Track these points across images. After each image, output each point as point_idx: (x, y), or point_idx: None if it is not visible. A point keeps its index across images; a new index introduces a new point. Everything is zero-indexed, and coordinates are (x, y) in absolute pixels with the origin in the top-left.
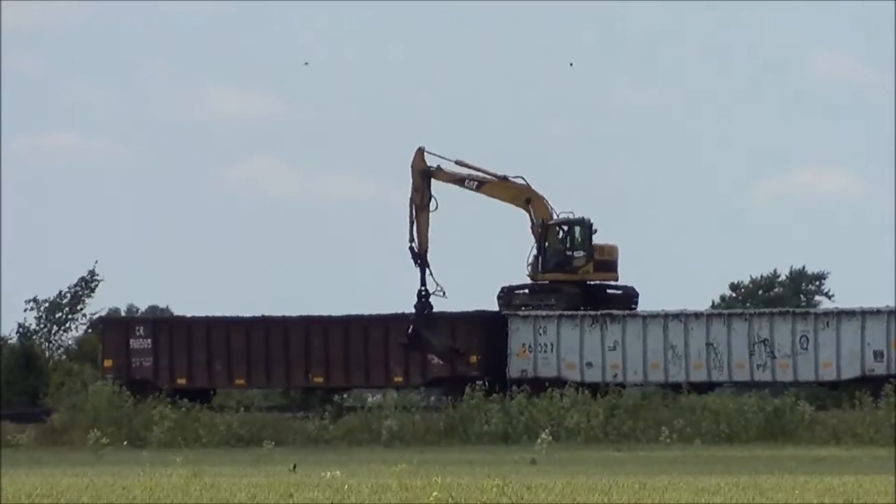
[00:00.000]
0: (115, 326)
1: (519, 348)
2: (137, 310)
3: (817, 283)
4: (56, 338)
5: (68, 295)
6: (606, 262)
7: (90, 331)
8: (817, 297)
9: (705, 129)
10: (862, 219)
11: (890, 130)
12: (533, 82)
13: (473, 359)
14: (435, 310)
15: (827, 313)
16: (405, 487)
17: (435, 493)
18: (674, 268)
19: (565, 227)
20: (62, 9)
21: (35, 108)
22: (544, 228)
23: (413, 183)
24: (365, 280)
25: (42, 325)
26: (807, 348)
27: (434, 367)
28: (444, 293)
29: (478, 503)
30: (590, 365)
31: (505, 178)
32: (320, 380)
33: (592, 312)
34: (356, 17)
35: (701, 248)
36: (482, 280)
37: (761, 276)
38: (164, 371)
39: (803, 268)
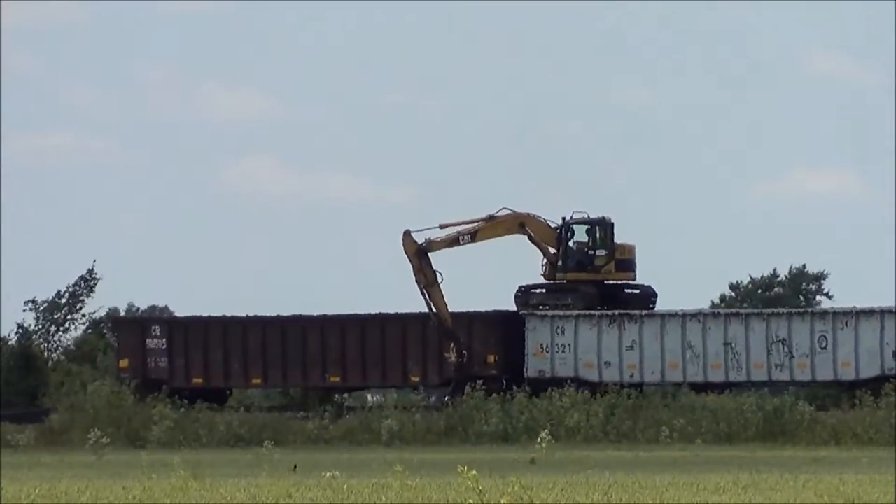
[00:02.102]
0: (130, 326)
1: (536, 348)
2: (137, 309)
3: (817, 283)
4: (55, 338)
5: (67, 295)
6: (627, 261)
7: (89, 331)
8: (817, 297)
9: (704, 129)
10: (860, 218)
11: (888, 130)
12: (531, 82)
13: (491, 359)
14: (453, 310)
15: (846, 312)
16: (405, 487)
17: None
18: (673, 268)
19: (586, 227)
20: (62, 9)
21: (33, 108)
22: (565, 228)
23: (413, 266)
24: (363, 280)
25: (41, 326)
26: (825, 348)
27: (452, 365)
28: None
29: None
30: (607, 364)
31: (491, 217)
32: (337, 379)
33: (610, 312)
34: (354, 18)
35: (700, 248)
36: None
37: (761, 276)
38: (179, 371)
39: (803, 267)
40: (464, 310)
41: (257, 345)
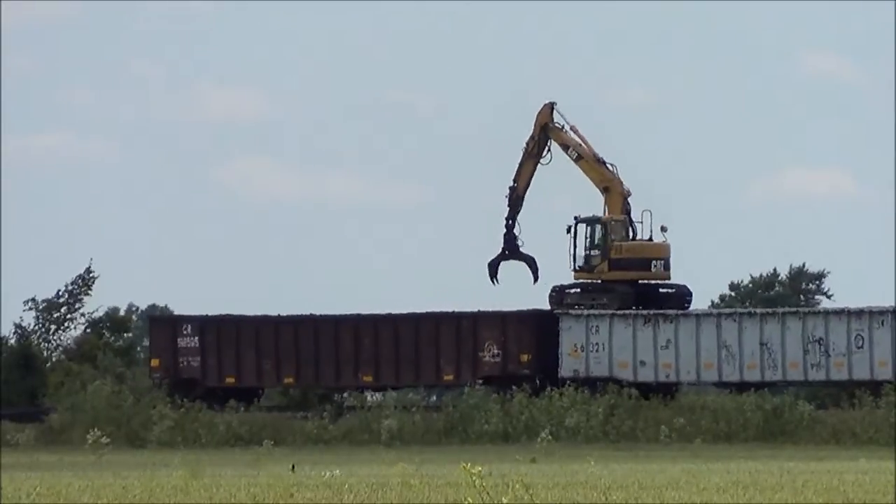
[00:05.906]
0: (162, 326)
1: (571, 348)
2: (137, 308)
3: (817, 282)
4: (55, 337)
5: (66, 294)
6: (624, 260)
7: (88, 330)
8: (817, 297)
9: (703, 129)
10: (860, 218)
11: (887, 129)
12: (532, 81)
13: (525, 358)
14: (487, 308)
15: (882, 311)
16: (405, 487)
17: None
18: (673, 268)
19: (586, 227)
20: (60, 9)
21: (32, 108)
22: (572, 229)
23: (532, 132)
24: (363, 280)
25: (40, 325)
26: (862, 347)
27: (486, 364)
28: (521, 241)
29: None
30: (642, 364)
31: (602, 162)
32: (370, 378)
33: (645, 311)
34: (353, 17)
35: (700, 247)
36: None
37: (761, 276)
38: (211, 370)
39: (803, 266)
40: (497, 308)
41: (290, 344)
